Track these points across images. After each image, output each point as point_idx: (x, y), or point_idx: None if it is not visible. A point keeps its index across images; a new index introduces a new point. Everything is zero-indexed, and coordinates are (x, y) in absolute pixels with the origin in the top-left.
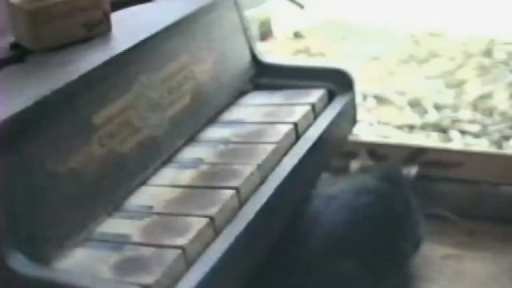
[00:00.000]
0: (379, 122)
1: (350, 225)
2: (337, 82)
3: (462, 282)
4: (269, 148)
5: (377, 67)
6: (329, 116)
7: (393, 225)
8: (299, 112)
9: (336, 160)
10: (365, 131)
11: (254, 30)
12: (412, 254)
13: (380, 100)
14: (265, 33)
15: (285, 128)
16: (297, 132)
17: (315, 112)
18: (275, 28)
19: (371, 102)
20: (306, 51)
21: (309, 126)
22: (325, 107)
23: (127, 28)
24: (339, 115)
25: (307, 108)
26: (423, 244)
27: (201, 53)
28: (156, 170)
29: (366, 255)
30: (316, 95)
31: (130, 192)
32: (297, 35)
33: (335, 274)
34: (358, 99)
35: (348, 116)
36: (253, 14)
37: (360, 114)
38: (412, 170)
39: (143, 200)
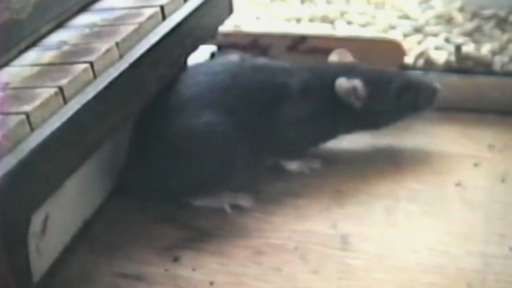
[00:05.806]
0: (268, 16)
1: (204, 87)
2: None
3: None
4: (131, 28)
5: None
6: (197, 1)
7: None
8: None
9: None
10: (252, 23)
11: None
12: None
13: None
14: None
15: (150, 11)
16: (164, 15)
17: None
18: None
19: None
20: None
21: (177, 10)
22: None
23: None
24: (208, 1)
25: None
26: None
27: None
28: (20, 52)
29: (228, 109)
30: None
31: None
32: None
33: (197, 117)
34: None
35: (221, 4)
36: None
37: (252, 10)
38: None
39: (2, 79)
